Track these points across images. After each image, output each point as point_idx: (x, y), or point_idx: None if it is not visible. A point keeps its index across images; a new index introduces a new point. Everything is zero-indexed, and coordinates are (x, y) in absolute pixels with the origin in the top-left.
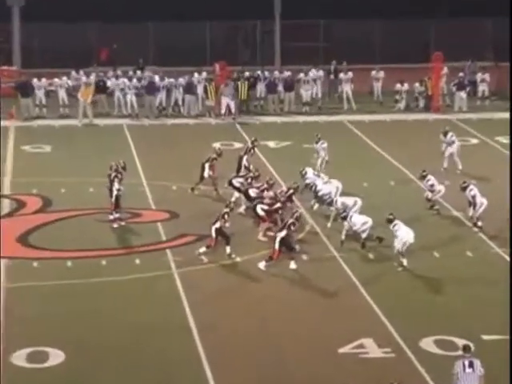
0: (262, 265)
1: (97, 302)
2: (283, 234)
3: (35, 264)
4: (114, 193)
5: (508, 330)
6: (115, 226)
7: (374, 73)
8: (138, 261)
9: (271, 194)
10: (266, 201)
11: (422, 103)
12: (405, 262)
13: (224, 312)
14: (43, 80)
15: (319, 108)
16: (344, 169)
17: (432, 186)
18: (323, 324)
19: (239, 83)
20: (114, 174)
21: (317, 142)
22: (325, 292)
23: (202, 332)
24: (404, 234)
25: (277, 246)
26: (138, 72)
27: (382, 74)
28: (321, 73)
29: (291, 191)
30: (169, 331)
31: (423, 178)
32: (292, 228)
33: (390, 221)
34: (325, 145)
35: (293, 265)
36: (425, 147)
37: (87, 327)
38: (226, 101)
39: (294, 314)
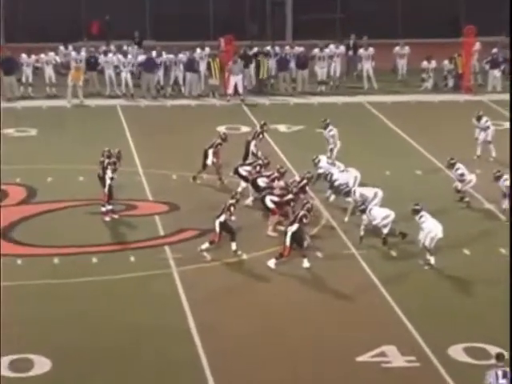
0: (271, 263)
1: (87, 303)
2: (294, 228)
3: (19, 261)
4: (107, 182)
5: None
6: (107, 219)
7: (397, 48)
8: (132, 258)
9: (282, 183)
10: (277, 191)
11: (451, 82)
12: (432, 259)
13: (228, 314)
14: (32, 56)
15: (336, 87)
16: (363, 156)
17: (462, 175)
18: (339, 329)
19: (260, 60)
20: (107, 161)
21: (324, 129)
22: (341, 293)
23: (203, 335)
24: (431, 227)
25: (288, 241)
26: (134, 47)
27: (406, 49)
28: (341, 49)
29: (304, 181)
30: (167, 335)
31: (451, 166)
32: (304, 221)
33: (416, 211)
34: (333, 132)
35: (306, 263)
36: (454, 132)
37: (76, 332)
38: (234, 80)
39: (305, 317)
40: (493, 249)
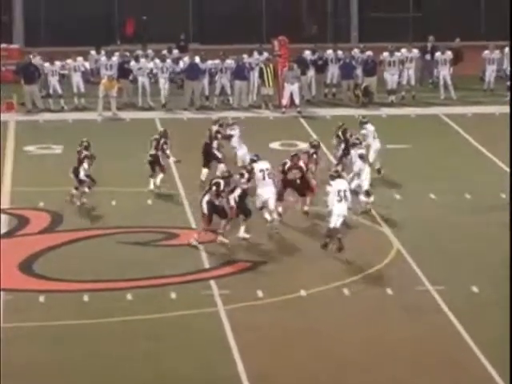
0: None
1: (120, 347)
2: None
3: (41, 299)
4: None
5: None
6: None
7: (487, 52)
8: (173, 295)
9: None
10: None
11: None
12: None
13: (284, 362)
14: (57, 63)
15: (413, 97)
16: (439, 176)
17: None
18: (412, 375)
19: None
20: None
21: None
22: (413, 336)
23: None
24: None
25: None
26: (174, 51)
27: (497, 53)
28: (415, 52)
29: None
30: None
31: None
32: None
33: None
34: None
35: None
36: None
37: (107, 380)
38: (290, 89)
39: (374, 365)
40: None
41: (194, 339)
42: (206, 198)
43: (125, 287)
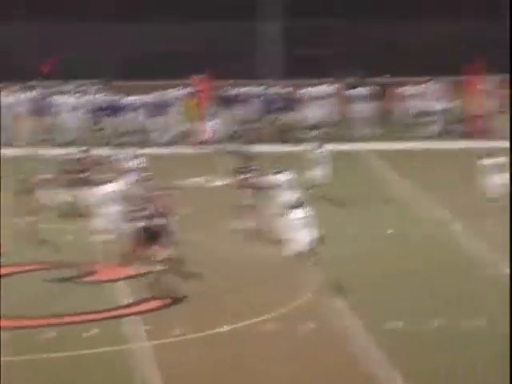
0: None
1: None
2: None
3: None
4: None
5: None
6: None
7: (408, 88)
8: (92, 331)
9: None
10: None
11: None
12: None
13: None
14: None
15: (334, 133)
16: (361, 212)
17: None
18: None
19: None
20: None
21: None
22: (336, 366)
23: None
24: None
25: None
26: (93, 88)
27: (419, 88)
28: (334, 88)
29: None
30: None
31: None
32: None
33: None
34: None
35: None
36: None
37: None
38: (209, 124)
39: None
40: None
41: (117, 376)
42: (140, 223)
43: (44, 324)
